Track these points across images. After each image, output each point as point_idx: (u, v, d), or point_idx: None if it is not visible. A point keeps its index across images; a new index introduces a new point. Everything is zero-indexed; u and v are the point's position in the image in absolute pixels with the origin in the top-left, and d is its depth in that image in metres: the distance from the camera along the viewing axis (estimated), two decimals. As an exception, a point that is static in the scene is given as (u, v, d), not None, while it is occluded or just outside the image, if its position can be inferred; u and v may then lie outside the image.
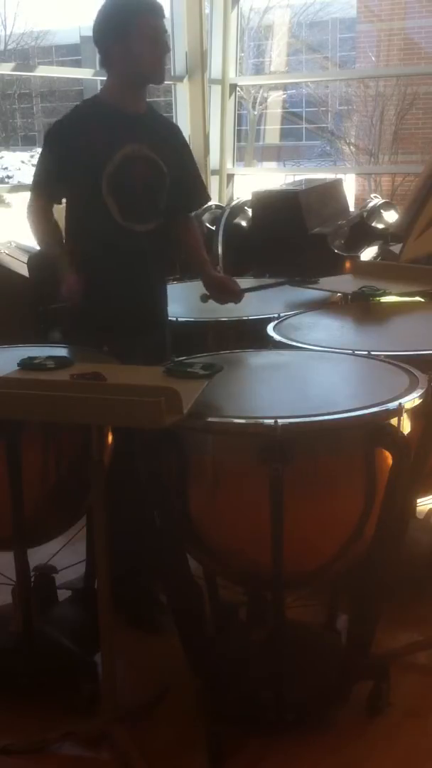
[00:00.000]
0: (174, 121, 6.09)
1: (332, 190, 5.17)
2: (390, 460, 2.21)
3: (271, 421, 2.09)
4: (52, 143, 2.80)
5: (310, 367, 2.62)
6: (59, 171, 2.77)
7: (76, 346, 2.76)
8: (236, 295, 3.06)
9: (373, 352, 2.61)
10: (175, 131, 3.03)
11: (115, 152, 2.72)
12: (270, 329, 2.88)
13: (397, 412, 2.20)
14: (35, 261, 3.93)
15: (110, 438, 2.34)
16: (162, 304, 2.96)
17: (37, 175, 2.85)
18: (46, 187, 2.82)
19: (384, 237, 4.70)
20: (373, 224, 4.75)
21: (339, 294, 3.40)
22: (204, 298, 3.08)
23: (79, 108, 2.89)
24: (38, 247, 3.02)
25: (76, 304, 2.67)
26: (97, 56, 2.82)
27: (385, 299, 3.25)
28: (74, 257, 2.73)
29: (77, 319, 2.79)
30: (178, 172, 2.88)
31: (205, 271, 3.07)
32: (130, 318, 2.77)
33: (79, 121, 2.80)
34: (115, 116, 2.77)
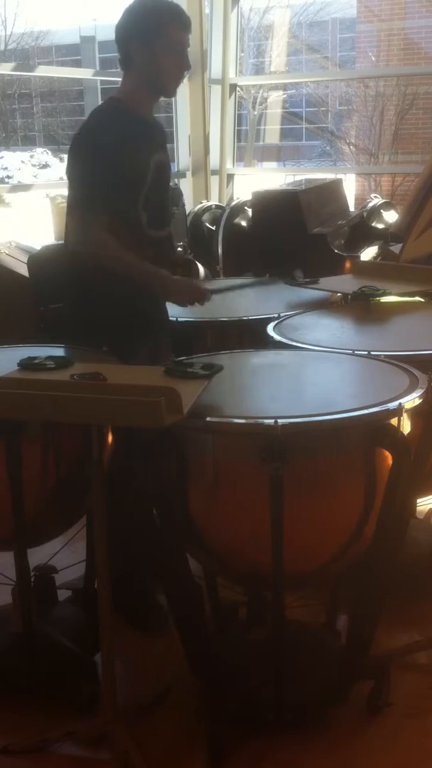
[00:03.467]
0: (174, 120, 6.13)
1: (332, 190, 5.17)
2: (390, 460, 2.21)
3: (271, 421, 2.09)
4: (96, 150, 2.63)
5: (310, 367, 2.62)
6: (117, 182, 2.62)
7: (76, 346, 2.75)
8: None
9: (373, 352, 2.61)
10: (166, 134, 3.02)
11: (150, 163, 2.71)
12: (270, 329, 2.88)
13: (397, 412, 2.20)
14: (35, 261, 3.93)
15: (110, 438, 2.34)
16: (165, 306, 2.97)
17: (99, 188, 2.61)
18: (118, 198, 2.61)
19: (384, 237, 4.70)
20: (373, 224, 4.75)
21: (339, 294, 3.41)
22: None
23: (107, 116, 2.78)
24: (118, 273, 2.68)
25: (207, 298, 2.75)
26: (118, 55, 2.76)
27: (385, 299, 3.25)
28: (77, 261, 2.72)
29: (79, 320, 2.79)
30: None
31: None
32: (137, 321, 2.77)
33: (113, 130, 2.69)
34: (141, 124, 2.75)
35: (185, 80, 5.96)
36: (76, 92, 23.84)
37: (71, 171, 2.74)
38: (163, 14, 2.70)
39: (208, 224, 5.12)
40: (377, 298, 3.23)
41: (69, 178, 2.75)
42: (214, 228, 5.01)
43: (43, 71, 14.40)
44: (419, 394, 2.28)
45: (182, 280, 2.78)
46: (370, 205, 4.89)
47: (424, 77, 13.29)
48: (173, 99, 6.13)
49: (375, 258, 4.57)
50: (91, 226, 2.63)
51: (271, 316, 3.04)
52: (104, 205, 2.61)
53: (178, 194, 5.05)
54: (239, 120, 11.12)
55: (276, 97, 20.47)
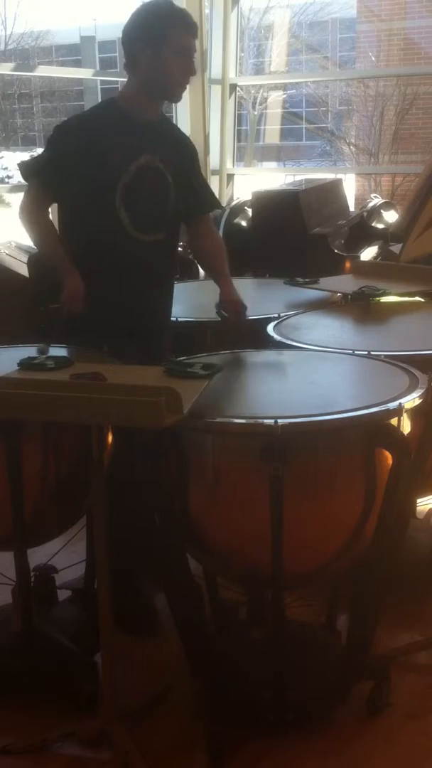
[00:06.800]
0: (174, 120, 6.11)
1: (332, 190, 5.17)
2: (390, 460, 2.21)
3: (271, 421, 2.09)
4: (64, 140, 2.72)
5: (310, 367, 2.62)
6: (67, 171, 2.70)
7: (76, 346, 2.75)
8: (235, 321, 2.94)
9: (373, 352, 2.61)
10: (185, 142, 2.99)
11: (129, 163, 2.70)
12: (270, 329, 2.88)
13: (397, 412, 2.20)
14: (35, 261, 3.92)
15: (110, 438, 2.34)
16: (164, 309, 2.95)
17: (40, 171, 2.76)
18: (50, 185, 2.74)
19: (384, 237, 4.70)
20: (373, 224, 4.75)
21: (339, 294, 3.40)
22: (220, 315, 2.97)
23: (94, 110, 2.85)
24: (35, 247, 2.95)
25: (77, 309, 2.65)
26: (122, 58, 2.78)
27: (385, 299, 3.25)
28: (74, 261, 2.72)
29: (78, 321, 2.79)
30: (183, 181, 2.87)
31: (219, 284, 2.98)
32: (133, 322, 2.77)
33: (93, 125, 2.74)
34: (131, 125, 2.74)
35: (185, 81, 5.98)
36: (76, 92, 23.82)
37: None
38: (169, 17, 2.69)
39: (208, 224, 5.11)
40: (377, 298, 3.23)
41: None
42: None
43: (43, 71, 14.39)
44: (419, 394, 2.28)
45: (70, 280, 2.67)
46: (370, 205, 4.89)
47: (424, 77, 13.28)
48: (173, 99, 6.14)
49: (375, 258, 4.57)
50: (25, 201, 2.77)
51: (271, 316, 3.04)
52: (41, 182, 2.74)
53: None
54: (239, 120, 11.11)
55: (276, 97, 20.46)
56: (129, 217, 2.72)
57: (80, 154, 2.67)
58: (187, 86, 2.83)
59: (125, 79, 2.82)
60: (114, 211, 2.70)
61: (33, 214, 2.77)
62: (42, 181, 2.76)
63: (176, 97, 2.85)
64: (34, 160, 2.85)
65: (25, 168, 2.84)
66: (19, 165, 2.89)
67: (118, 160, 2.70)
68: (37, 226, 2.77)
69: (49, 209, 2.84)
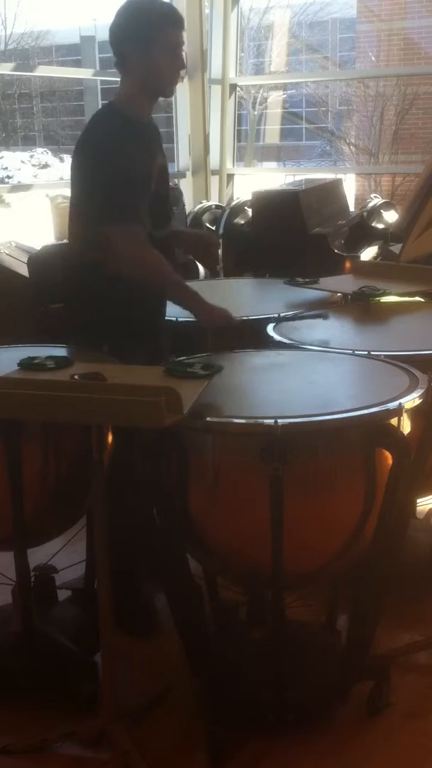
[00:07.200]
0: (174, 120, 6.13)
1: (332, 190, 5.17)
2: (390, 460, 2.21)
3: (271, 421, 2.09)
4: (121, 156, 2.61)
5: (310, 367, 2.62)
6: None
7: (76, 346, 2.75)
8: (214, 246, 2.99)
9: (373, 352, 2.61)
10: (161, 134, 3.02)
11: (152, 168, 2.71)
12: (270, 329, 2.88)
13: (397, 412, 2.20)
14: (35, 261, 3.93)
15: (110, 438, 2.34)
16: (164, 306, 2.96)
17: (137, 214, 2.62)
18: (143, 217, 2.63)
19: (384, 237, 4.70)
20: (373, 224, 4.76)
21: (339, 294, 3.41)
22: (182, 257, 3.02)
23: (109, 121, 2.74)
24: (156, 282, 2.75)
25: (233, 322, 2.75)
26: (114, 59, 2.74)
27: (385, 299, 3.25)
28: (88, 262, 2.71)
29: (78, 320, 2.79)
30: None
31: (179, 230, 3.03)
32: (137, 321, 2.76)
33: (120, 137, 2.67)
34: (141, 129, 2.74)
35: (185, 80, 5.98)
36: (76, 92, 23.83)
37: (84, 183, 2.71)
38: (156, 15, 2.67)
39: (208, 224, 5.12)
40: (377, 298, 3.23)
41: (83, 190, 2.71)
42: (214, 228, 5.01)
43: (43, 71, 14.44)
44: (419, 394, 2.28)
45: (216, 308, 2.79)
46: (370, 205, 4.89)
47: (424, 77, 13.29)
48: (173, 99, 6.14)
49: (375, 258, 4.57)
50: (141, 241, 2.63)
51: (271, 316, 3.04)
52: (140, 209, 2.63)
53: (178, 194, 5.05)
54: (239, 120, 11.11)
55: (276, 97, 20.46)
56: (151, 219, 2.73)
57: (131, 168, 2.63)
58: (188, 86, 2.85)
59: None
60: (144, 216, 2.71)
61: (149, 250, 2.66)
62: (145, 222, 2.65)
63: (170, 93, 2.85)
64: (120, 207, 2.62)
65: (120, 218, 2.63)
66: (111, 215, 2.62)
67: (146, 169, 2.70)
68: (158, 260, 2.68)
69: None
